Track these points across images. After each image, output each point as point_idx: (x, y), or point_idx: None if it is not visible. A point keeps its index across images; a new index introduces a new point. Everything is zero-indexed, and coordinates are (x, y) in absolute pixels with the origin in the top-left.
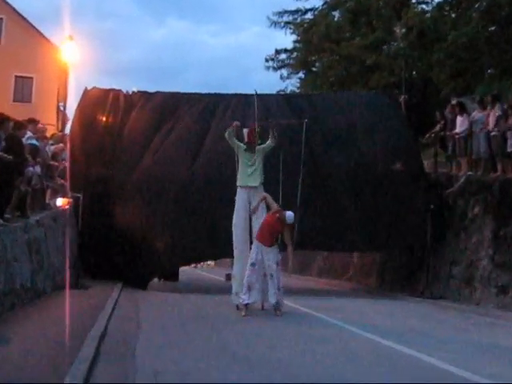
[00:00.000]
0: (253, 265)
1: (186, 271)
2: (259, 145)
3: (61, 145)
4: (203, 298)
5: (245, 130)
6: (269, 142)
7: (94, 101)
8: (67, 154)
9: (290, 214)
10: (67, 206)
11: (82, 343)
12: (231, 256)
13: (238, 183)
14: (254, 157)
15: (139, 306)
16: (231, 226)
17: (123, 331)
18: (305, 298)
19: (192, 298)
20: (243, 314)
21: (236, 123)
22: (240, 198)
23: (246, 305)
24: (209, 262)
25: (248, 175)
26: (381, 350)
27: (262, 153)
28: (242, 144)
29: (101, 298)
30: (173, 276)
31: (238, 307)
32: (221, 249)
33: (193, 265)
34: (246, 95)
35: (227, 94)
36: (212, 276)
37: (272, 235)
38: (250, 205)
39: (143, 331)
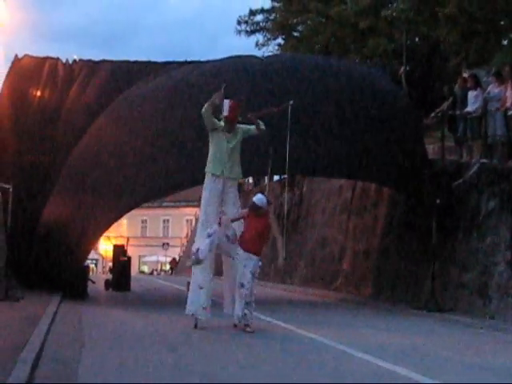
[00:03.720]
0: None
1: (140, 279)
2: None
3: None
4: (160, 311)
5: (226, 102)
6: (254, 129)
7: (27, 72)
8: None
9: (258, 197)
10: None
11: (12, 367)
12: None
13: (210, 170)
14: (233, 139)
15: (82, 322)
16: None
17: (63, 352)
18: (284, 312)
19: (146, 312)
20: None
21: (218, 96)
22: (212, 189)
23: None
24: (167, 269)
25: (225, 162)
26: (377, 373)
27: (243, 135)
28: (220, 123)
29: (35, 312)
30: (123, 285)
31: (196, 325)
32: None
33: (148, 272)
34: (220, 61)
35: (193, 62)
36: (170, 284)
37: (262, 239)
38: (222, 199)
39: (87, 352)
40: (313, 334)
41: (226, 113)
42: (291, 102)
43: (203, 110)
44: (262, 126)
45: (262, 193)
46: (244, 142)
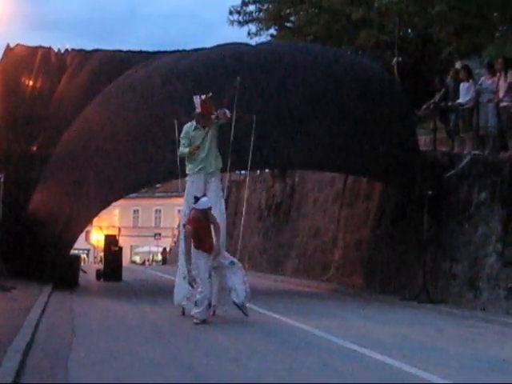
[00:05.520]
0: (210, 276)
1: (131, 270)
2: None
3: None
4: (150, 302)
5: (196, 98)
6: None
7: (19, 61)
8: None
9: (201, 202)
10: None
11: (2, 356)
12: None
13: (189, 171)
14: (207, 133)
15: (73, 312)
16: None
17: (53, 341)
18: (275, 302)
19: (137, 302)
20: (196, 321)
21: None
22: (193, 185)
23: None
24: (159, 259)
25: (202, 158)
26: (368, 365)
27: (216, 128)
28: (188, 128)
29: (26, 302)
30: (114, 275)
31: (184, 313)
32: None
33: (140, 262)
34: (209, 50)
35: (184, 51)
36: (161, 275)
37: (206, 234)
38: (205, 190)
39: (77, 341)
40: (304, 324)
41: (198, 109)
42: (238, 79)
43: (180, 154)
44: (227, 115)
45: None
46: (225, 137)
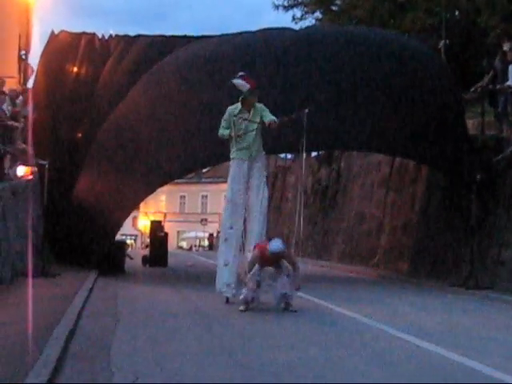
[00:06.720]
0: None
1: (177, 255)
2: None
3: (20, 97)
4: (196, 288)
5: (239, 81)
6: (267, 117)
7: (63, 47)
8: (30, 112)
9: (273, 244)
10: (30, 176)
11: (45, 343)
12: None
13: (234, 156)
14: (254, 118)
15: (117, 298)
16: None
17: (97, 328)
18: (321, 288)
19: (182, 288)
20: (242, 308)
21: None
22: (237, 169)
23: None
24: (205, 245)
25: (249, 145)
26: (415, 353)
27: (260, 112)
28: (231, 110)
29: (71, 289)
30: (160, 260)
31: (228, 300)
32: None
33: (187, 248)
34: (252, 34)
35: (228, 35)
36: (207, 260)
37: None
38: (248, 177)
39: (121, 328)
40: (351, 311)
41: (247, 85)
42: (306, 111)
43: (219, 135)
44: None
45: (278, 236)
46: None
